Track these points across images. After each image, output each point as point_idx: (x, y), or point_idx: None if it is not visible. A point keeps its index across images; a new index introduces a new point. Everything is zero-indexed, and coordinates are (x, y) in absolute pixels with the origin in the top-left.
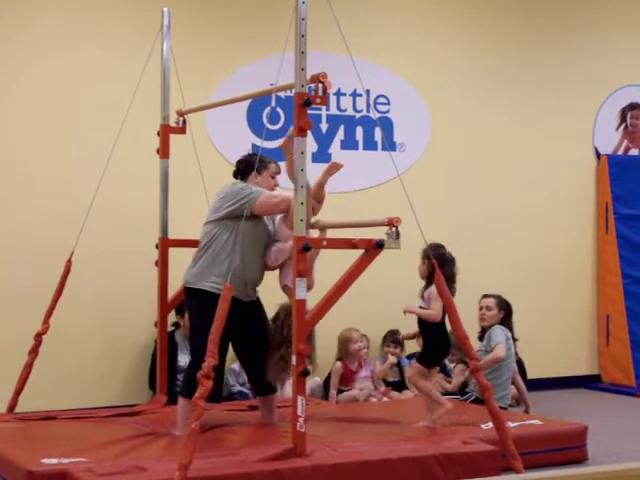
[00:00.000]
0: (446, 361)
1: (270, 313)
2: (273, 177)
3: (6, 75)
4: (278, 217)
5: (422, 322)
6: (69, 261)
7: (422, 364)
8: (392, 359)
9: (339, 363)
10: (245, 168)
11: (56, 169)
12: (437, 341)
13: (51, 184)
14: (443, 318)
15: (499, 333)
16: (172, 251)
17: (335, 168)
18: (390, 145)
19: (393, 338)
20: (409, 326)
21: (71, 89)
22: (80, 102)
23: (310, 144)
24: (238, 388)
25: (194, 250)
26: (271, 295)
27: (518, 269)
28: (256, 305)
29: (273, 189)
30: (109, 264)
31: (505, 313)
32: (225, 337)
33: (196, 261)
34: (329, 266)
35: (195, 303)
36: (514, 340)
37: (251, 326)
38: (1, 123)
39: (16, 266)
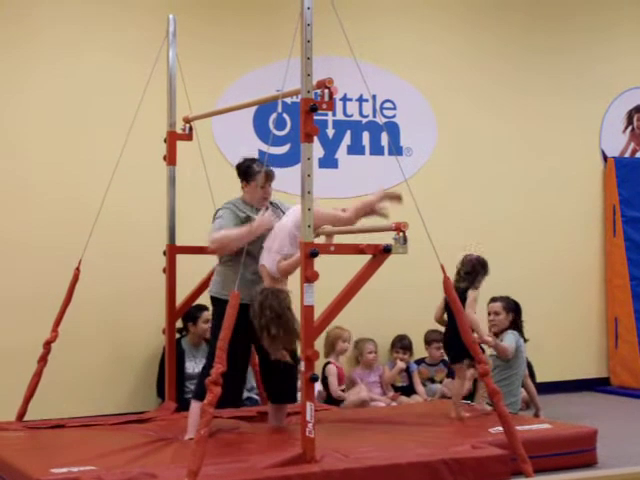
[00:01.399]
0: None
1: None
2: (263, 187)
3: (15, 82)
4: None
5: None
6: (77, 269)
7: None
8: (401, 364)
9: (332, 366)
10: (238, 174)
11: (64, 176)
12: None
13: (59, 191)
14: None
15: (510, 338)
16: (180, 258)
17: (396, 198)
18: (397, 150)
19: (402, 344)
20: (418, 331)
21: (78, 97)
22: (87, 110)
23: (317, 150)
24: (246, 394)
25: (202, 256)
26: None
27: (526, 272)
28: None
29: (266, 198)
30: (117, 271)
31: (514, 314)
32: (244, 342)
33: (216, 271)
34: (337, 272)
35: (213, 310)
36: (525, 341)
37: None
38: (10, 130)
39: (24, 274)
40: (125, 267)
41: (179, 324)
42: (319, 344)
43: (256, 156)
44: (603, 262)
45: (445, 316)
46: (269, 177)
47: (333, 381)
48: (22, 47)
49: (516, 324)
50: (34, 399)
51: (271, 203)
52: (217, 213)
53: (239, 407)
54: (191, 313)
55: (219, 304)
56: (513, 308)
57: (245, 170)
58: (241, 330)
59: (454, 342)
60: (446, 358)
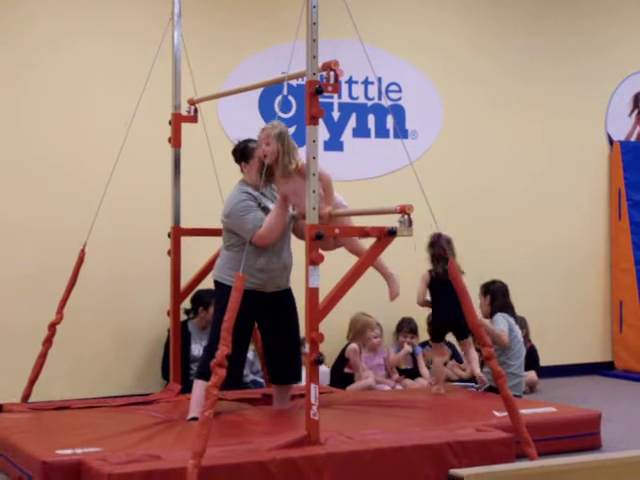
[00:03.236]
0: (459, 349)
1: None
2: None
3: (21, 67)
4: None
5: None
6: (82, 251)
7: (431, 340)
8: (408, 348)
9: (355, 344)
10: (236, 157)
11: (69, 158)
12: (433, 317)
13: (64, 173)
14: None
15: (500, 320)
16: (185, 240)
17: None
18: (402, 133)
19: (410, 327)
20: (420, 313)
21: (83, 80)
22: (92, 92)
23: (322, 132)
24: (252, 377)
25: (207, 238)
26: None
27: (531, 256)
28: (283, 295)
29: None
30: (122, 253)
31: (498, 295)
32: (246, 325)
33: (221, 256)
34: (342, 254)
35: (217, 294)
36: (518, 318)
37: (279, 316)
38: (17, 113)
39: (28, 255)
40: (130, 249)
41: (187, 306)
42: (339, 327)
43: (238, 140)
44: (609, 246)
45: (428, 297)
46: None
47: (357, 362)
48: (28, 32)
49: (505, 305)
50: (39, 381)
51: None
52: (235, 205)
53: (241, 389)
54: (203, 298)
55: (223, 288)
56: (492, 290)
57: (242, 150)
58: (244, 314)
59: (436, 322)
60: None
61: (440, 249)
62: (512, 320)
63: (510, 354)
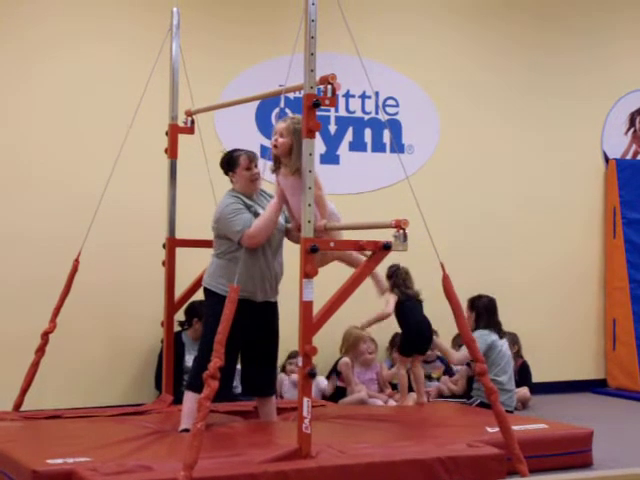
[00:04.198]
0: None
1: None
2: (248, 169)
3: (17, 74)
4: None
5: (398, 316)
6: (76, 260)
7: (400, 354)
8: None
9: (347, 358)
10: (224, 169)
11: (65, 168)
12: (407, 333)
13: (59, 183)
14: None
15: (476, 337)
16: (179, 251)
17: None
18: (399, 147)
19: None
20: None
21: (81, 89)
22: (89, 102)
23: (318, 145)
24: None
25: (202, 250)
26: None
27: (525, 273)
28: (271, 307)
29: (255, 179)
30: (116, 263)
31: (482, 310)
32: (237, 337)
33: (211, 263)
34: (336, 268)
35: (207, 302)
36: (501, 337)
37: (264, 328)
38: (13, 122)
39: (22, 264)
40: (125, 259)
41: (181, 317)
42: (332, 339)
43: (224, 150)
44: (603, 264)
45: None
46: (251, 157)
47: (349, 375)
48: (25, 40)
49: (490, 321)
50: (31, 390)
51: (263, 192)
52: (224, 208)
53: (230, 400)
54: (198, 309)
55: (214, 296)
56: (479, 306)
57: (228, 160)
58: (235, 324)
59: (420, 336)
60: (438, 354)
61: (399, 280)
62: (495, 336)
63: (496, 370)
